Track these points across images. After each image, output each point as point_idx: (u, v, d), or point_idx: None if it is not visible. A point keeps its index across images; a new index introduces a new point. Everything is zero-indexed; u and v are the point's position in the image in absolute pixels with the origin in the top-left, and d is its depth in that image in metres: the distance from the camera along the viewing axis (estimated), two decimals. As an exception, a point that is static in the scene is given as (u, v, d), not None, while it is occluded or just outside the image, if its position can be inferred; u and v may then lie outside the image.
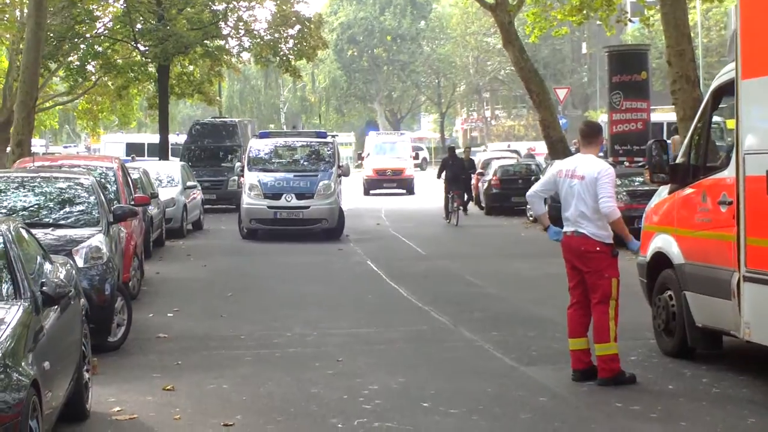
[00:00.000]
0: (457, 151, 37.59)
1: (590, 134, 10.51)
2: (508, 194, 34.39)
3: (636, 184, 24.65)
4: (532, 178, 32.42)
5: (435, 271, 19.33)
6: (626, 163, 32.12)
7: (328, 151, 26.89)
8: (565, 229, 10.34)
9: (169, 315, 14.32)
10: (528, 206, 29.78)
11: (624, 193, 23.45)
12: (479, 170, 39.59)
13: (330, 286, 17.43)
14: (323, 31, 44.80)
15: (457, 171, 31.91)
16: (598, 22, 56.29)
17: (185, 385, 10.02)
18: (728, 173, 10.08)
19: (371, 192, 48.23)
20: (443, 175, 32.21)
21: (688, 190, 10.94)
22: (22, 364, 6.67)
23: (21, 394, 6.37)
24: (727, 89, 10.59)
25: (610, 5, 34.68)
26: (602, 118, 63.96)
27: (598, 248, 10.05)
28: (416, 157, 54.63)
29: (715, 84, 10.80)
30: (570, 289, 10.45)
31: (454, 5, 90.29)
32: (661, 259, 11.38)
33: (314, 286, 17.28)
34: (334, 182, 25.86)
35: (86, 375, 8.85)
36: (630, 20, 36.93)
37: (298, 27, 41.20)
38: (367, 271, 19.56)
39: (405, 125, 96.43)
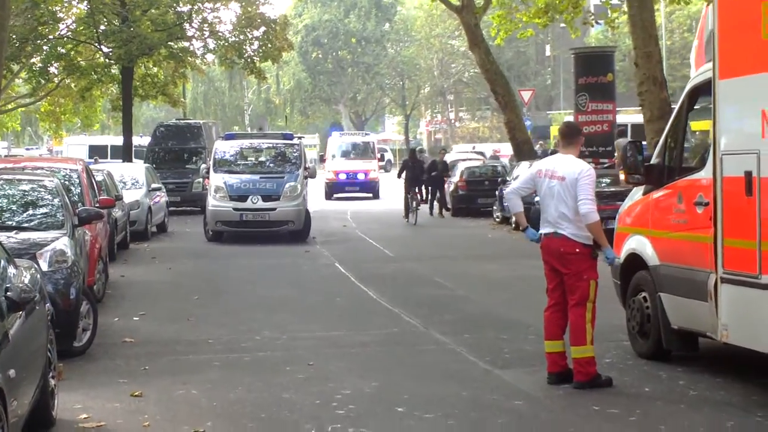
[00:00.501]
0: (424, 155, 45.25)
1: (570, 134, 10.39)
2: (475, 196, 34.33)
3: (603, 185, 24.61)
4: (499, 179, 32.38)
5: (403, 273, 19.17)
6: (592, 165, 32.00)
7: (295, 152, 26.69)
8: (544, 230, 10.13)
9: (135, 319, 14.08)
10: (502, 205, 29.90)
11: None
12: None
13: (298, 288, 17.22)
14: (288, 32, 44.50)
15: (417, 172, 33.17)
16: (562, 25, 56.47)
17: (153, 391, 9.80)
18: (704, 174, 9.97)
19: (334, 196, 45.50)
20: (403, 175, 33.33)
21: (664, 191, 10.82)
22: (-14, 371, 6.44)
23: (-15, 403, 6.14)
24: (703, 89, 10.49)
25: (576, 7, 34.67)
26: (565, 119, 64.33)
27: (577, 249, 9.90)
28: (381, 159, 51.44)
29: (690, 84, 10.69)
30: (549, 291, 10.26)
31: (418, 8, 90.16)
32: (635, 261, 11.25)
33: (282, 289, 17.08)
34: (301, 184, 25.66)
35: (52, 382, 8.61)
36: (597, 22, 36.87)
37: (263, 29, 40.96)
38: (336, 273, 19.37)
39: (369, 127, 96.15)
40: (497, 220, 30.93)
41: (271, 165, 26.51)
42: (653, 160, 11.12)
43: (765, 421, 8.54)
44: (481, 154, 54.96)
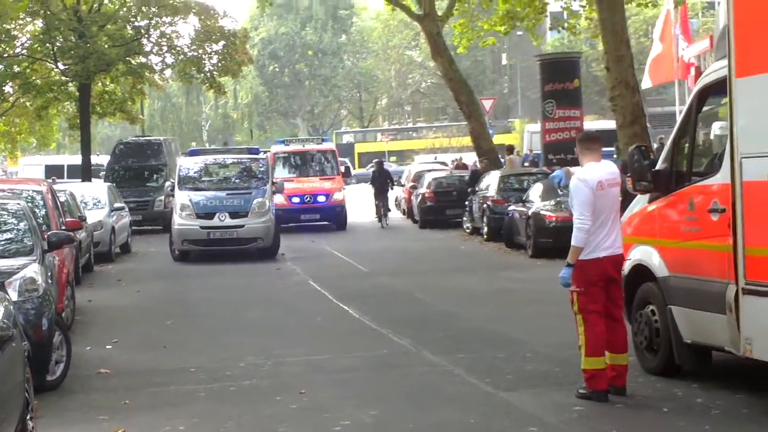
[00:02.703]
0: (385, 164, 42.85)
1: (595, 140, 10.01)
2: (443, 207, 33.71)
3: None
4: (468, 189, 31.75)
5: (382, 289, 18.50)
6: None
7: (261, 167, 26.02)
8: (605, 252, 9.56)
9: (107, 347, 13.31)
10: (472, 216, 29.33)
11: (568, 203, 22.81)
12: (411, 183, 38.97)
13: (274, 309, 16.51)
14: (246, 46, 43.73)
15: (383, 182, 35.58)
16: (519, 33, 56.25)
17: (137, 429, 9.06)
18: (720, 179, 9.36)
19: (284, 225, 30.95)
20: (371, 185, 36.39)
21: (672, 198, 10.20)
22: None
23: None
24: (715, 89, 9.90)
25: (541, 13, 34.26)
26: (528, 127, 64.05)
27: None
28: (346, 174, 37.68)
29: (700, 84, 10.08)
30: (598, 311, 9.63)
31: (375, 18, 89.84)
32: (640, 272, 10.64)
33: (258, 310, 16.36)
34: (269, 199, 24.99)
35: (30, 424, 7.85)
36: (562, 27, 36.47)
37: (222, 42, 40.20)
38: (311, 291, 18.67)
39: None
40: (467, 231, 30.32)
41: (237, 181, 25.84)
42: (659, 166, 10.48)
43: (800, 442, 7.94)
44: (444, 164, 54.37)
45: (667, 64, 42.49)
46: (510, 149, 36.75)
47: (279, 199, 31.43)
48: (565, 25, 37.23)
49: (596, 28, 40.51)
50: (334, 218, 33.97)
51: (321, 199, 33.78)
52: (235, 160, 26.69)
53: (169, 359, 12.37)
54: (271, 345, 13.04)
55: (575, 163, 30.82)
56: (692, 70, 43.37)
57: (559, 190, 9.61)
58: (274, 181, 26.68)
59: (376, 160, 43.43)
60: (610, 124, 53.54)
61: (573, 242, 9.42)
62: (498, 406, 9.55)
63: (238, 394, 10.36)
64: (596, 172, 9.61)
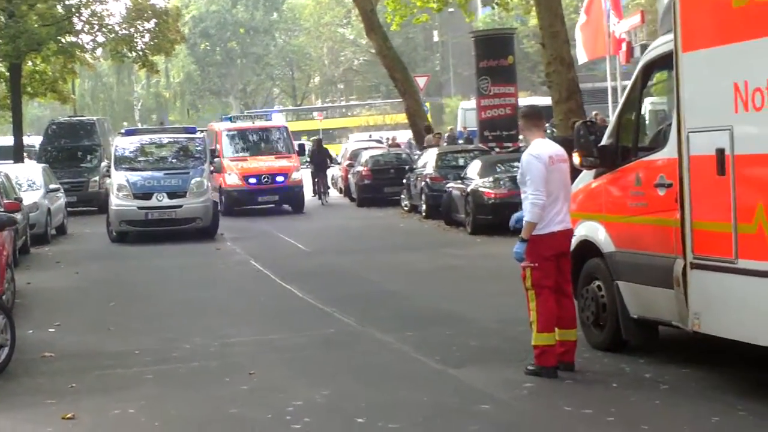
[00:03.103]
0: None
1: (540, 116, 9.99)
2: (380, 185, 33.67)
3: (515, 170, 24.12)
4: (406, 167, 31.76)
5: (324, 268, 18.45)
6: (497, 149, 31.74)
7: (198, 147, 25.83)
8: (557, 227, 9.58)
9: (50, 330, 13.14)
10: (410, 194, 29.32)
11: (507, 179, 22.97)
12: (347, 161, 38.90)
13: (217, 289, 16.41)
14: (179, 24, 43.28)
15: (322, 160, 36.38)
16: (450, 10, 56.27)
17: (87, 413, 8.95)
18: (666, 153, 9.42)
19: (236, 209, 31.38)
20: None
21: (619, 174, 10.26)
22: None
23: None
24: (659, 64, 9.97)
25: (473, -10, 34.32)
26: (462, 104, 64.14)
27: None
28: (301, 152, 34.61)
29: (644, 59, 10.12)
30: (550, 287, 9.64)
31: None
32: (586, 248, 10.69)
33: (200, 291, 16.25)
34: (207, 179, 24.81)
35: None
36: (496, 4, 36.55)
37: (154, 21, 39.77)
38: (253, 270, 18.58)
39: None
40: (406, 208, 30.35)
41: (174, 161, 25.61)
42: (605, 141, 10.53)
43: (749, 416, 8.03)
44: (379, 141, 54.30)
45: (599, 40, 42.73)
46: (428, 129, 36.48)
47: (233, 179, 30.88)
48: (498, 1, 37.27)
49: (528, 4, 40.79)
50: (293, 200, 31.78)
51: (279, 179, 31.35)
52: (172, 140, 26.43)
53: (115, 341, 12.24)
54: (217, 325, 12.96)
55: (510, 139, 30.94)
56: (623, 46, 43.75)
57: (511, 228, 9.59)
58: (212, 161, 26.46)
59: (315, 138, 43.36)
60: (542, 101, 53.76)
61: (527, 218, 9.44)
62: (448, 383, 9.57)
63: (186, 376, 10.28)
64: (547, 148, 9.64)
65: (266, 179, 31.15)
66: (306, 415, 8.51)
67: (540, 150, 9.57)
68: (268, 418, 8.51)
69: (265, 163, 31.69)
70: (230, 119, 35.45)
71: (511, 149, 32.71)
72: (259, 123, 34.61)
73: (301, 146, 35.01)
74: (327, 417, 8.48)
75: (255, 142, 33.26)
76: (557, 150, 9.71)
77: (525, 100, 46.78)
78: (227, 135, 32.94)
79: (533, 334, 9.57)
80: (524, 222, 9.49)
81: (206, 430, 8.30)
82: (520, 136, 34.87)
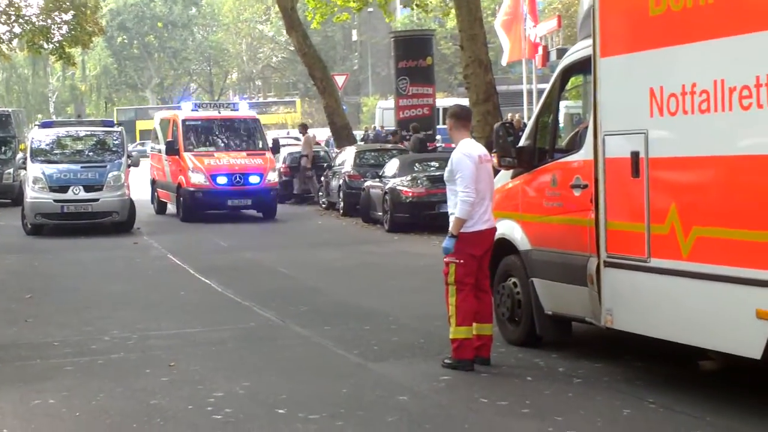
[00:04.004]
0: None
1: (468, 117, 10.25)
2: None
3: (432, 169, 24.45)
4: (324, 165, 31.91)
5: (244, 264, 18.52)
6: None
7: (116, 140, 25.64)
8: (484, 226, 9.83)
9: (-33, 322, 13.08)
10: (328, 191, 29.41)
11: (424, 178, 23.23)
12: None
13: (136, 283, 16.40)
14: (97, 16, 42.99)
15: None
16: (369, 9, 56.44)
17: (6, 403, 8.95)
18: (582, 155, 9.70)
19: (199, 212, 26.85)
20: None
21: (535, 174, 10.51)
22: None
23: None
24: (577, 68, 10.25)
25: (393, -9, 34.57)
26: (380, 104, 64.39)
27: None
28: (275, 149, 29.28)
29: (563, 63, 10.39)
30: (471, 284, 9.88)
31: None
32: (503, 246, 10.91)
33: (119, 284, 16.23)
34: (124, 173, 24.69)
35: None
36: (417, 5, 36.82)
37: (72, 12, 39.47)
38: (171, 265, 18.59)
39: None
40: (323, 206, 30.48)
41: (91, 154, 25.40)
42: (522, 142, 10.78)
43: (659, 408, 8.31)
44: (297, 139, 54.26)
45: (515, 43, 43.30)
46: (303, 127, 36.25)
47: (198, 178, 26.54)
48: (417, 2, 37.52)
49: (447, 6, 41.15)
50: (266, 205, 27.54)
51: (254, 180, 26.84)
52: (89, 133, 26.25)
53: (33, 333, 12.21)
54: (136, 319, 12.98)
55: (427, 139, 31.03)
56: (540, 50, 44.33)
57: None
58: (130, 155, 26.34)
59: None
60: (459, 102, 53.94)
61: (458, 214, 9.62)
62: (368, 376, 9.73)
63: (106, 368, 10.31)
64: (476, 148, 9.87)
65: (238, 179, 26.76)
66: (227, 406, 8.62)
67: (470, 149, 9.79)
68: (189, 409, 8.60)
69: (238, 160, 27.22)
70: (192, 106, 30.02)
71: (430, 149, 33.05)
72: (227, 113, 29.25)
73: (275, 142, 29.72)
74: (248, 408, 8.58)
75: (223, 135, 28.57)
76: (484, 150, 9.96)
77: (442, 101, 47.27)
78: (189, 125, 28.06)
79: (451, 328, 9.78)
80: (454, 218, 9.67)
81: (127, 421, 8.34)
82: (437, 137, 35.21)
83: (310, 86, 69.46)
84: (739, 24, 7.67)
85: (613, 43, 8.99)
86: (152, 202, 30.95)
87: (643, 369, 9.55)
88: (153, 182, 31.19)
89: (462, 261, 9.70)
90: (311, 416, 8.27)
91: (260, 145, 28.12)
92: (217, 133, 28.52)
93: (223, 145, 28.14)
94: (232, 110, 29.60)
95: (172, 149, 27.65)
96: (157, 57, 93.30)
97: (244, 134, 28.69)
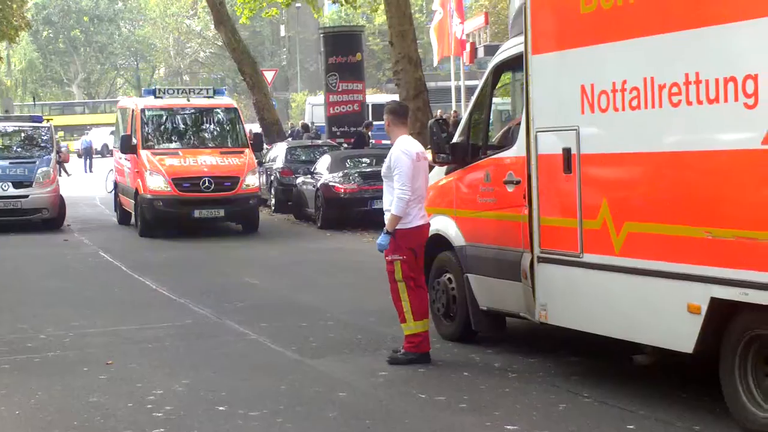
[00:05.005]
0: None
1: (406, 114, 10.42)
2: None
3: (364, 165, 24.58)
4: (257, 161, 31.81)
5: (175, 260, 18.50)
6: (345, 145, 32.09)
7: (45, 136, 25.47)
8: (422, 221, 10.05)
9: None
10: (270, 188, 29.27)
11: (356, 175, 23.31)
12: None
13: (68, 280, 16.33)
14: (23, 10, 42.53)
15: None
16: (297, 5, 56.30)
17: (-56, 402, 8.94)
18: (515, 152, 9.83)
19: (158, 225, 22.39)
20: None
21: (469, 170, 10.64)
22: None
23: None
24: (509, 65, 10.40)
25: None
26: (309, 100, 64.33)
27: None
28: (257, 145, 25.01)
29: (495, 60, 10.52)
30: (415, 278, 10.06)
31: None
32: (437, 242, 11.03)
33: (51, 281, 16.15)
34: (54, 169, 24.51)
35: None
36: (345, 1, 36.84)
37: (-3, 6, 39.06)
38: (103, 262, 18.52)
39: (105, 109, 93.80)
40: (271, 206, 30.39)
41: (20, 149, 25.21)
42: (456, 139, 10.89)
43: (594, 402, 8.48)
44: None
45: (444, 41, 43.54)
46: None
47: (158, 183, 21.84)
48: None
49: (375, 2, 41.24)
50: (245, 215, 22.79)
51: (226, 184, 22.11)
52: (17, 129, 26.04)
53: (-35, 332, 12.14)
54: (70, 316, 12.93)
55: (358, 135, 31.02)
56: (467, 46, 44.62)
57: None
58: (59, 150, 26.14)
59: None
60: (387, 98, 54.18)
61: (394, 211, 9.73)
62: (307, 372, 9.81)
63: (43, 366, 10.29)
64: (414, 145, 9.99)
65: (207, 184, 21.92)
66: (167, 403, 8.65)
67: (408, 146, 9.91)
68: (129, 407, 8.61)
69: (205, 159, 22.52)
70: (153, 93, 24.65)
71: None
72: (197, 100, 24.02)
73: (258, 137, 25.85)
74: (188, 405, 8.62)
75: (191, 129, 23.96)
76: (421, 147, 10.09)
77: (371, 98, 47.39)
78: (149, 115, 23.47)
79: (409, 324, 9.90)
80: (390, 215, 9.78)
81: (67, 418, 8.35)
82: (370, 133, 35.26)
83: (238, 81, 69.23)
84: (669, 22, 7.83)
85: (545, 41, 9.14)
86: (115, 210, 26.53)
87: (577, 363, 9.72)
88: (115, 185, 26.77)
89: (405, 257, 9.84)
90: (251, 413, 8.34)
91: (238, 141, 23.53)
92: (183, 125, 23.91)
93: (191, 140, 23.54)
94: (206, 97, 24.28)
95: (127, 146, 22.97)
96: (83, 51, 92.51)
97: (218, 127, 24.17)
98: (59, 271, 17.37)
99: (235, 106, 24.68)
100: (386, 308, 11.53)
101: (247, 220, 22.92)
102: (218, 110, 24.14)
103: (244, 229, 22.93)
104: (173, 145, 23.14)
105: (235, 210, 22.33)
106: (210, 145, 23.42)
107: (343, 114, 34.42)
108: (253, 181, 22.78)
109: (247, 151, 23.15)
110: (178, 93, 24.58)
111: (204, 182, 21.86)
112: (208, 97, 24.14)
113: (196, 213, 21.87)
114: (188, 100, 23.90)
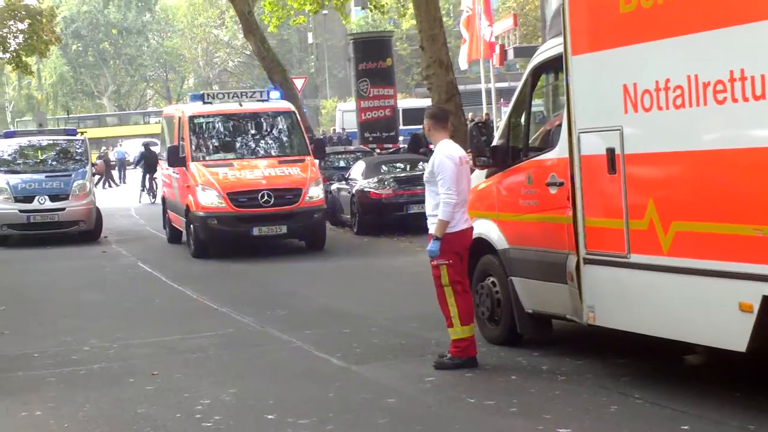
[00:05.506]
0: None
1: (446, 118, 10.40)
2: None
3: (398, 170, 24.57)
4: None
5: (215, 270, 18.54)
6: (378, 150, 32.12)
7: (79, 149, 25.63)
8: (467, 224, 10.04)
9: (-58, 336, 13.01)
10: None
11: (391, 180, 23.29)
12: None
13: (109, 292, 16.38)
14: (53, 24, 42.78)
15: (153, 161, 36.26)
16: (324, 12, 56.30)
17: (-7, 416, 8.97)
18: (557, 153, 9.78)
19: (214, 245, 20.34)
20: (141, 163, 39.73)
21: (510, 173, 10.60)
22: None
23: None
24: (548, 67, 10.35)
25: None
26: (339, 106, 64.41)
27: None
28: (319, 151, 22.64)
29: (534, 62, 10.47)
30: (461, 281, 10.05)
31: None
32: (479, 245, 10.98)
33: (92, 293, 16.21)
34: (89, 181, 24.66)
35: None
36: (374, 6, 36.85)
37: (28, 21, 39.26)
38: (142, 273, 18.57)
39: (136, 120, 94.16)
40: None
41: (55, 163, 25.34)
42: (496, 142, 10.87)
43: (645, 403, 8.40)
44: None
45: (473, 43, 43.43)
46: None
47: (211, 198, 19.71)
48: (374, 3, 37.58)
49: (403, 7, 41.23)
50: (310, 231, 20.62)
51: (288, 197, 19.98)
52: (52, 142, 26.19)
53: (11, 345, 12.17)
54: (113, 328, 12.97)
55: (390, 140, 31.14)
56: (497, 49, 44.50)
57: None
58: (94, 163, 26.26)
59: (144, 141, 44.64)
60: (417, 103, 54.27)
61: (441, 216, 9.70)
62: (353, 379, 9.79)
63: (89, 378, 10.31)
64: (456, 149, 9.96)
65: (267, 198, 19.84)
66: (216, 413, 8.64)
67: (451, 151, 9.89)
68: (177, 417, 8.62)
69: (264, 170, 20.42)
70: (201, 98, 22.32)
71: (391, 150, 33.16)
72: (251, 104, 21.82)
73: (320, 142, 24.37)
74: (237, 414, 8.62)
75: (246, 137, 21.66)
76: (462, 151, 10.06)
77: (402, 102, 47.41)
78: (198, 123, 21.28)
79: (456, 329, 9.87)
80: (437, 220, 9.74)
81: (116, 430, 8.36)
82: (401, 137, 35.26)
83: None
84: (710, 19, 7.77)
85: (585, 41, 9.08)
86: (164, 227, 24.21)
87: (626, 365, 9.63)
88: (163, 201, 24.66)
89: (451, 261, 9.81)
90: (301, 421, 8.31)
91: (299, 149, 21.33)
92: (236, 133, 21.64)
93: (246, 150, 21.33)
94: (259, 100, 22.01)
95: (175, 158, 20.86)
96: (112, 64, 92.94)
97: (276, 134, 21.87)
98: (98, 282, 17.43)
99: (293, 109, 22.28)
100: (427, 313, 11.54)
101: (313, 236, 20.77)
102: (275, 114, 21.75)
103: (309, 246, 20.86)
104: (226, 156, 20.92)
105: (298, 226, 20.10)
106: (267, 154, 21.18)
107: (376, 119, 34.46)
108: (317, 192, 20.34)
109: (309, 159, 20.98)
110: (228, 97, 22.17)
111: (263, 196, 19.75)
112: (262, 101, 21.91)
113: (255, 231, 19.76)
114: (240, 105, 21.70)
